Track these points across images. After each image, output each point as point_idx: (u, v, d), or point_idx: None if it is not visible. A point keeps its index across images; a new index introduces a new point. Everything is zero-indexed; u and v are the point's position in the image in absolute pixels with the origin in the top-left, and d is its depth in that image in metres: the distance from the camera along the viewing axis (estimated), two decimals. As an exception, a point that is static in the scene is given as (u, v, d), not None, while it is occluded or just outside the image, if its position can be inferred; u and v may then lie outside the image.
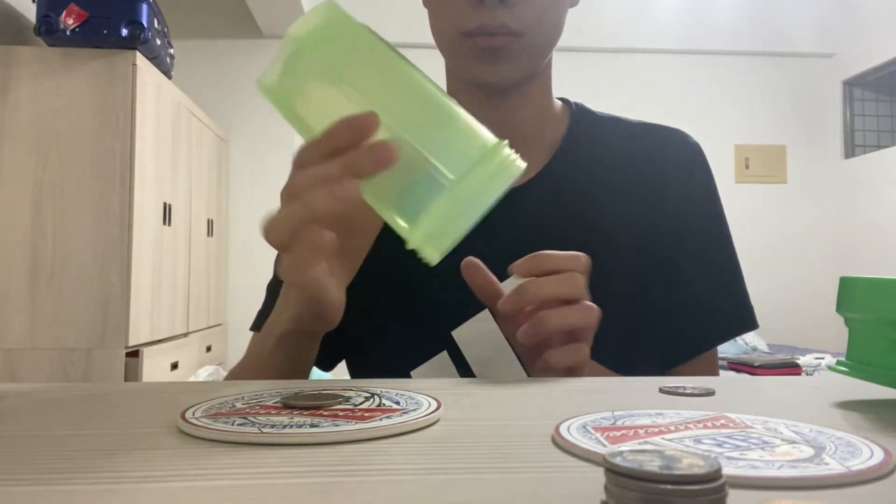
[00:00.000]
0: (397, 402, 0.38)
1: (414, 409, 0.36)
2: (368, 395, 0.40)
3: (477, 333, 0.68)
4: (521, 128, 0.74)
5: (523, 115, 0.74)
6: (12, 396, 0.43)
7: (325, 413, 0.35)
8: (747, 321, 0.74)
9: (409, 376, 0.69)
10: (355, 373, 0.77)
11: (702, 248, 0.74)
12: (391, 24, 4.21)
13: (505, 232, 0.67)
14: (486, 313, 0.68)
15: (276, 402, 0.38)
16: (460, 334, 0.68)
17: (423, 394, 0.41)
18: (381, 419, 0.34)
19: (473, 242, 0.71)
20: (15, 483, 0.25)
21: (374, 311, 0.73)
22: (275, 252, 0.86)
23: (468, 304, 0.69)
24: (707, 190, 0.76)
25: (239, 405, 0.38)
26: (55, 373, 2.36)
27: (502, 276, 0.55)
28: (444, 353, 0.69)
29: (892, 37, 4.20)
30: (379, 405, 0.37)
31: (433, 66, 0.64)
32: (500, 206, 0.74)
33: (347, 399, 0.39)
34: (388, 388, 0.43)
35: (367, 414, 0.35)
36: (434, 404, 0.38)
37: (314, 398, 0.38)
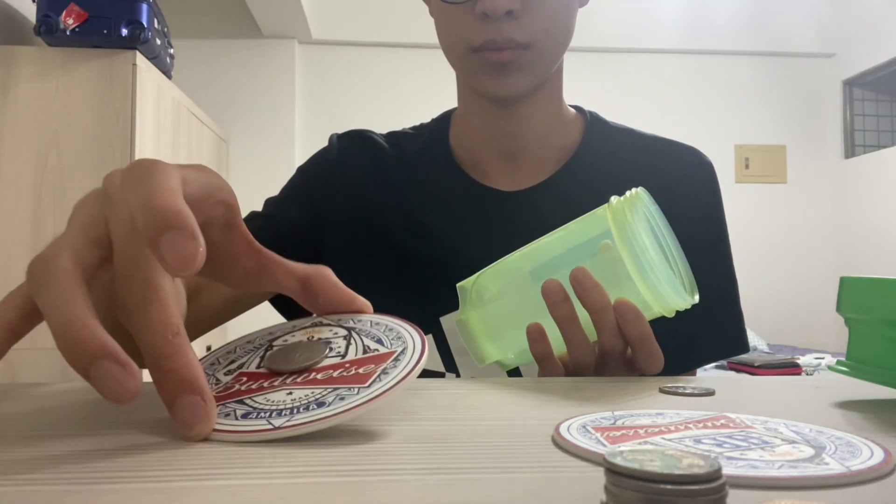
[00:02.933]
0: (380, 342, 0.37)
1: (402, 350, 0.36)
2: (345, 333, 0.39)
3: None
4: (532, 134, 0.74)
5: (534, 122, 0.74)
6: (13, 396, 0.43)
7: (319, 377, 0.34)
8: (739, 346, 0.74)
9: None
10: None
11: (701, 271, 0.74)
12: (394, 24, 4.21)
13: (510, 233, 0.68)
14: None
15: (259, 368, 0.36)
16: (447, 321, 0.69)
17: (396, 323, 0.39)
18: (380, 377, 0.33)
19: (479, 242, 0.71)
20: (15, 483, 0.25)
21: (369, 283, 0.73)
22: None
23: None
24: (714, 210, 0.76)
25: (222, 376, 0.36)
26: (55, 373, 2.36)
27: None
28: (430, 337, 0.69)
29: (892, 37, 4.20)
30: (364, 351, 0.36)
31: (440, 68, 0.64)
32: (507, 207, 0.74)
33: (330, 348, 0.37)
34: (360, 322, 0.40)
35: (360, 370, 0.34)
36: (418, 339, 0.37)
37: (298, 355, 0.36)
